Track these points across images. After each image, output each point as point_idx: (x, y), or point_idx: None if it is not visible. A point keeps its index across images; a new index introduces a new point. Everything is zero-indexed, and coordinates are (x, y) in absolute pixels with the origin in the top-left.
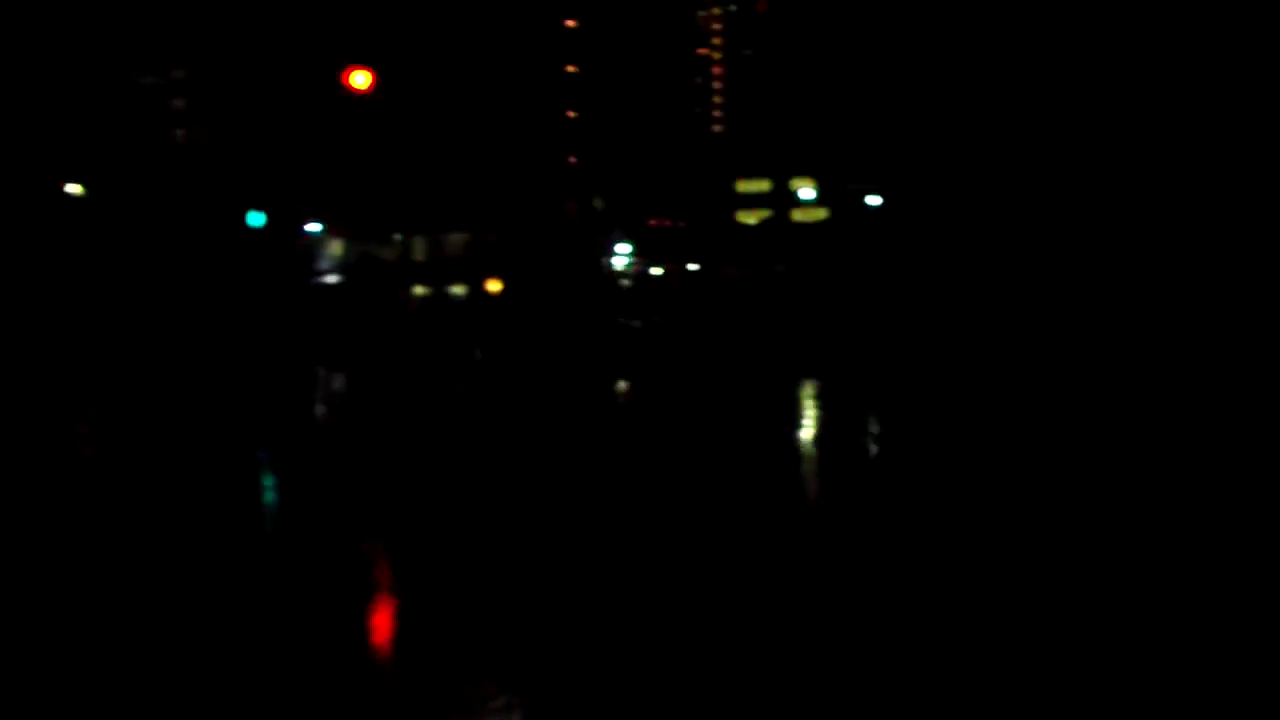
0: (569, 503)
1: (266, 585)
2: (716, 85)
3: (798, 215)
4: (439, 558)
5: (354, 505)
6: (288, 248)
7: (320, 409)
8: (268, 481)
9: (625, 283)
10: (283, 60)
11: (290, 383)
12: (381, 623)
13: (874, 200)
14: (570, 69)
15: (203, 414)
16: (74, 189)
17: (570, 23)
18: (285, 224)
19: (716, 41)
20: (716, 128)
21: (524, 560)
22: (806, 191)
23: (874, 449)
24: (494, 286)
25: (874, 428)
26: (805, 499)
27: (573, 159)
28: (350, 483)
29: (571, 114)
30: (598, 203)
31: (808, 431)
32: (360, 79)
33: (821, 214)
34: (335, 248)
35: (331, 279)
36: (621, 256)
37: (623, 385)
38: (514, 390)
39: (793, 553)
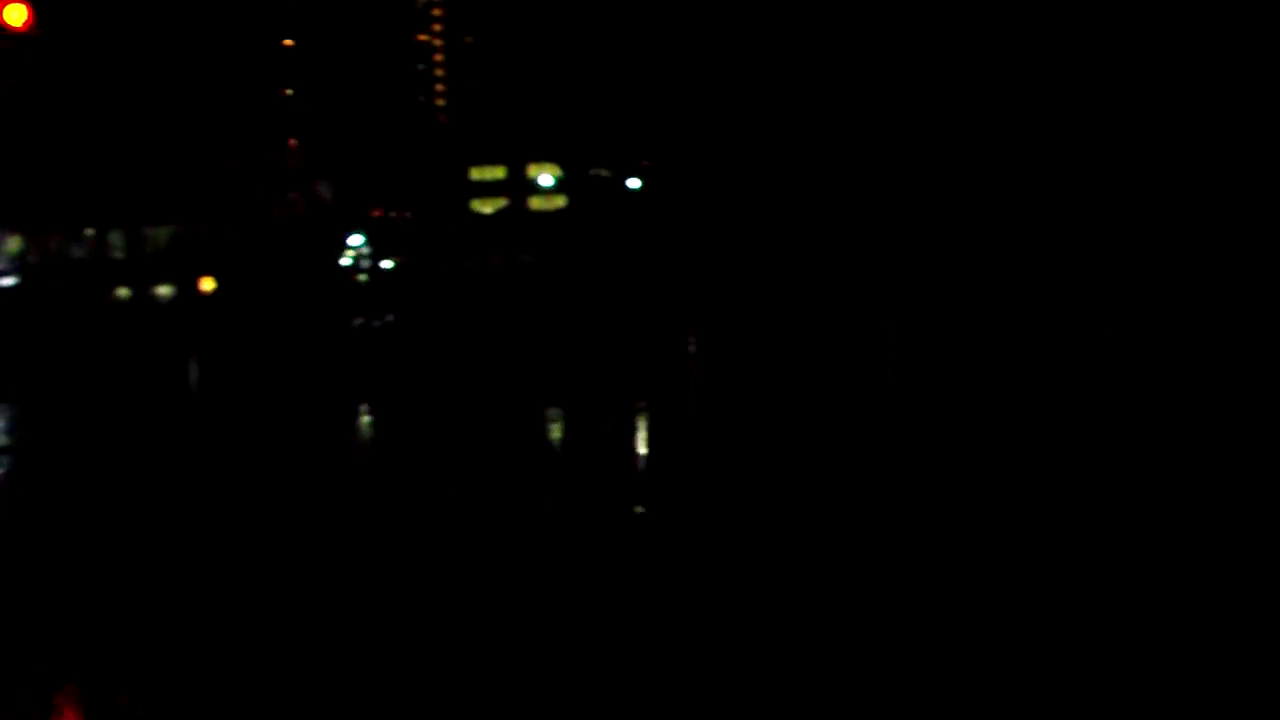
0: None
1: None
2: (439, 73)
3: (536, 203)
4: None
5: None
6: None
7: None
8: None
9: (359, 279)
10: None
11: None
12: None
13: (632, 184)
14: (287, 43)
15: None
16: None
17: None
18: None
19: (438, 28)
20: (443, 116)
21: None
22: (545, 178)
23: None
24: (208, 285)
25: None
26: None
27: (294, 141)
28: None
29: (288, 91)
30: (325, 191)
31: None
32: (14, 15)
33: (561, 200)
34: (11, 245)
35: (4, 282)
36: (353, 250)
37: (365, 411)
38: (238, 414)
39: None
